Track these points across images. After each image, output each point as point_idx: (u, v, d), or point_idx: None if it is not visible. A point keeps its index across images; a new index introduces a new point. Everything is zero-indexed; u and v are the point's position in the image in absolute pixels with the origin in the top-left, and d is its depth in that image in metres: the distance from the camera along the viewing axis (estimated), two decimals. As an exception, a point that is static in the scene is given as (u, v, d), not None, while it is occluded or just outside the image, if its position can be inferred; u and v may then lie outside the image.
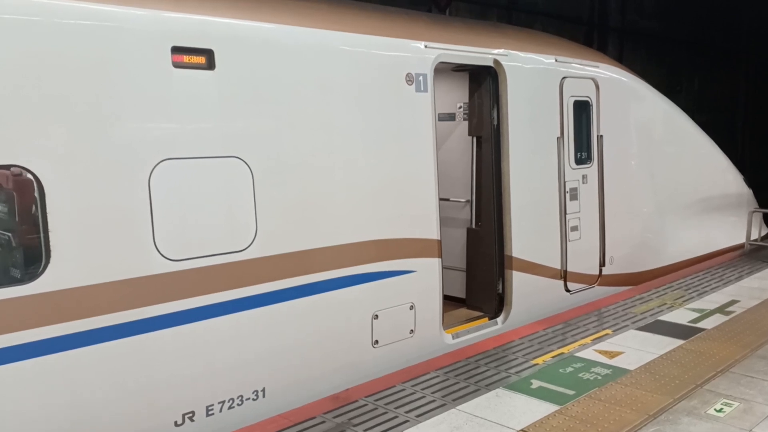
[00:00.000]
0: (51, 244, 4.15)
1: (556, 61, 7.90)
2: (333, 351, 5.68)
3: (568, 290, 8.10)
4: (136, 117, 4.53)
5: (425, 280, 6.36)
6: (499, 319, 7.34)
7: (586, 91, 8.28)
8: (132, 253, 4.50)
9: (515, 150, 7.30)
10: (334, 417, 4.92)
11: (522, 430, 4.68)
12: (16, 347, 4.06)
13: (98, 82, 4.36)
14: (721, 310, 7.47)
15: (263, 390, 5.21)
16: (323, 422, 4.84)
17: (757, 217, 12.01)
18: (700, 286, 8.62)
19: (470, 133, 7.68)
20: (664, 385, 5.38)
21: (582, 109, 8.25)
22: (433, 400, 5.18)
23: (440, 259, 6.48)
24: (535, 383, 5.46)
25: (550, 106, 7.81)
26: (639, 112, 9.50)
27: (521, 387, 5.39)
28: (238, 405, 5.07)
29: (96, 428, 4.42)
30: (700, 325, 6.93)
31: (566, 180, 7.99)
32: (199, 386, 4.86)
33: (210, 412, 4.92)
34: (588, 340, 6.52)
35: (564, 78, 7.93)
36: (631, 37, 19.04)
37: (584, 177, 8.28)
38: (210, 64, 4.86)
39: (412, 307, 6.25)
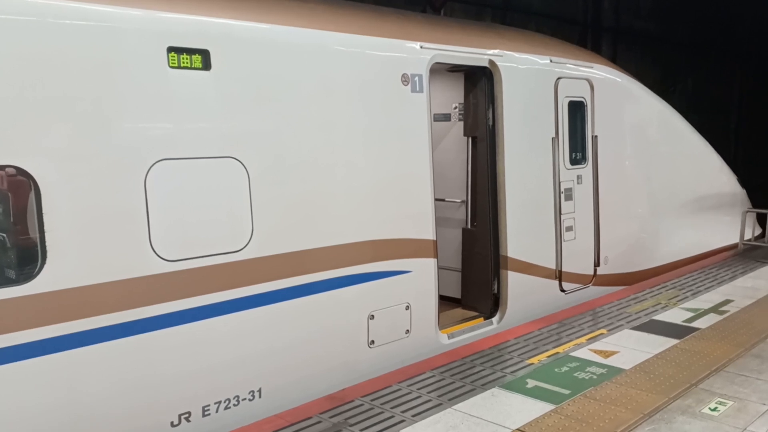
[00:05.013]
0: (47, 244, 4.14)
1: (550, 61, 7.92)
2: (329, 351, 5.68)
3: (563, 290, 8.12)
4: (133, 118, 4.53)
5: (421, 281, 6.37)
6: (495, 319, 7.35)
7: (580, 92, 8.31)
8: (128, 254, 4.50)
9: (510, 150, 7.31)
10: (331, 417, 4.92)
11: (518, 429, 4.70)
12: (11, 348, 4.05)
13: (95, 83, 4.35)
14: (716, 309, 7.50)
15: (259, 390, 5.21)
16: (319, 422, 4.84)
17: (751, 217, 12.07)
18: (694, 285, 8.65)
19: (465, 134, 7.69)
20: (659, 384, 5.40)
21: (577, 110, 8.27)
22: (429, 400, 5.19)
23: (436, 260, 6.49)
24: (531, 383, 5.47)
25: (545, 106, 7.83)
26: (633, 113, 9.54)
27: (517, 386, 5.40)
28: (234, 405, 5.06)
29: (92, 430, 4.41)
30: (694, 324, 6.96)
31: (561, 180, 8.02)
32: (195, 386, 4.86)
33: (206, 413, 4.91)
34: (583, 339, 6.54)
35: (559, 78, 7.95)
36: (625, 37, 19.09)
37: (579, 177, 8.31)
38: (206, 65, 4.86)
39: (407, 308, 6.26)
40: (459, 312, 7.68)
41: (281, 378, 5.35)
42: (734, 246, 11.30)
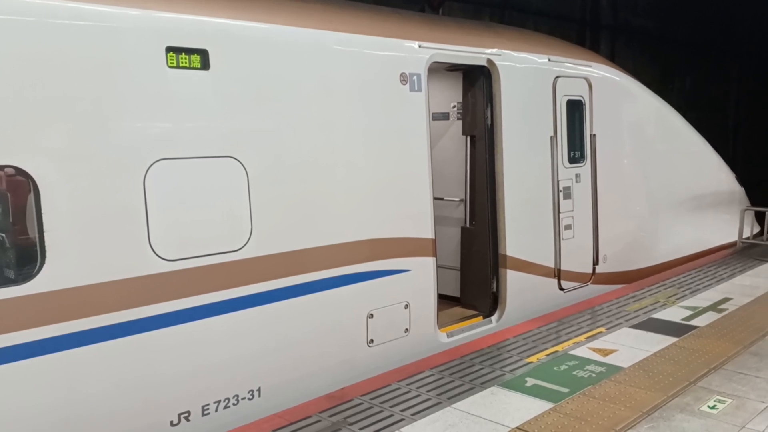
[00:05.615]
0: (46, 244, 4.15)
1: (549, 60, 7.92)
2: (328, 350, 5.69)
3: (561, 288, 8.13)
4: (132, 117, 4.54)
5: (420, 279, 6.37)
6: (494, 318, 7.36)
7: (579, 91, 8.32)
8: (127, 253, 4.50)
9: (509, 149, 7.32)
10: (330, 416, 4.93)
11: (517, 427, 4.71)
12: (11, 348, 4.05)
13: (94, 83, 4.36)
14: (714, 307, 7.51)
15: (259, 389, 5.22)
16: (319, 421, 4.85)
17: (749, 215, 12.09)
18: (692, 283, 8.66)
19: (464, 133, 7.70)
20: (658, 382, 5.41)
21: (575, 108, 8.28)
22: (428, 399, 5.20)
23: (435, 258, 6.49)
24: (530, 381, 5.48)
25: (544, 105, 7.83)
26: (632, 111, 9.54)
27: (516, 385, 5.41)
28: (233, 404, 5.07)
29: (92, 429, 4.42)
30: (693, 322, 6.96)
31: (559, 179, 8.02)
32: (194, 386, 4.86)
33: (206, 412, 4.92)
34: (582, 338, 6.55)
35: (557, 77, 7.96)
36: (623, 35, 19.11)
37: (577, 176, 8.32)
38: (205, 65, 4.86)
39: (407, 306, 6.27)
40: (458, 311, 7.69)
41: (280, 377, 5.35)
42: (733, 244, 11.31)
